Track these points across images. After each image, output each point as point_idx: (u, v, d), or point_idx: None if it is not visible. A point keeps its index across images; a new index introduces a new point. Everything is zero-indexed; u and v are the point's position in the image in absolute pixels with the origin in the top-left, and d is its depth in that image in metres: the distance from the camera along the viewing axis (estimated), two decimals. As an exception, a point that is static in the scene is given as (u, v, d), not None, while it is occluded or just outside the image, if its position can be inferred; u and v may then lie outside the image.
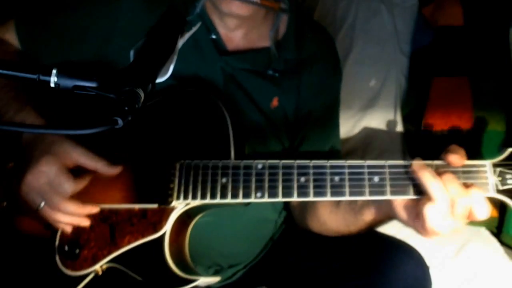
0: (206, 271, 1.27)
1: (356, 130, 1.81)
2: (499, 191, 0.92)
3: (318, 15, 1.97)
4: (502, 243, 1.62)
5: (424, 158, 0.94)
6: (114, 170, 1.03)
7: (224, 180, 0.99)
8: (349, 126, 1.82)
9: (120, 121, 0.68)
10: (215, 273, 1.27)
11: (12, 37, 1.20)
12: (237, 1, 1.05)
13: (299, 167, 0.97)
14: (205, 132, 1.06)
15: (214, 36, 1.18)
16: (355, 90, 1.85)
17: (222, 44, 1.19)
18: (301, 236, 1.25)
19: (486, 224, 1.65)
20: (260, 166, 0.99)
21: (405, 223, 0.95)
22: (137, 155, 1.09)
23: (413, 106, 1.81)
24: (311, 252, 1.22)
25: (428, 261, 1.06)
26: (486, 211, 0.89)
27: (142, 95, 0.73)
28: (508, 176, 0.92)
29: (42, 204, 1.01)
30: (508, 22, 1.77)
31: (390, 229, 1.10)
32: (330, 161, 0.97)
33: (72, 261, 1.06)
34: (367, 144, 1.79)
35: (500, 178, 0.92)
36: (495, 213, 1.64)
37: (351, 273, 1.08)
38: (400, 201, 0.94)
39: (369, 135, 1.80)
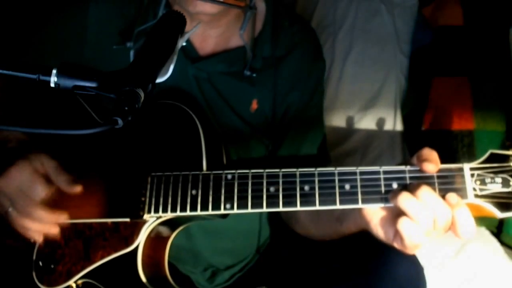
0: (203, 274, 1.26)
1: (356, 130, 1.81)
2: (477, 196, 0.85)
3: (318, 15, 1.97)
4: (502, 243, 1.62)
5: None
6: (73, 190, 1.03)
7: (194, 191, 0.97)
8: (349, 126, 1.82)
9: (120, 121, 0.68)
10: (212, 276, 1.27)
11: None
12: (200, 1, 1.02)
13: (268, 176, 0.94)
14: (178, 144, 1.05)
15: (184, 43, 1.16)
16: (355, 90, 1.85)
17: (193, 50, 1.16)
18: (295, 238, 1.24)
19: (486, 224, 1.65)
20: (229, 176, 0.96)
21: (383, 240, 0.90)
22: (110, 169, 1.08)
23: (413, 106, 1.81)
24: (305, 254, 1.21)
25: (428, 261, 1.06)
26: (470, 229, 0.82)
27: (142, 95, 0.73)
28: (487, 180, 0.85)
29: (10, 209, 1.01)
30: (508, 22, 1.77)
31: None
32: (299, 169, 0.93)
33: (48, 277, 1.06)
34: (367, 144, 1.79)
35: (478, 182, 0.85)
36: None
37: (345, 273, 1.07)
38: (376, 218, 0.89)
39: (369, 135, 1.81)
